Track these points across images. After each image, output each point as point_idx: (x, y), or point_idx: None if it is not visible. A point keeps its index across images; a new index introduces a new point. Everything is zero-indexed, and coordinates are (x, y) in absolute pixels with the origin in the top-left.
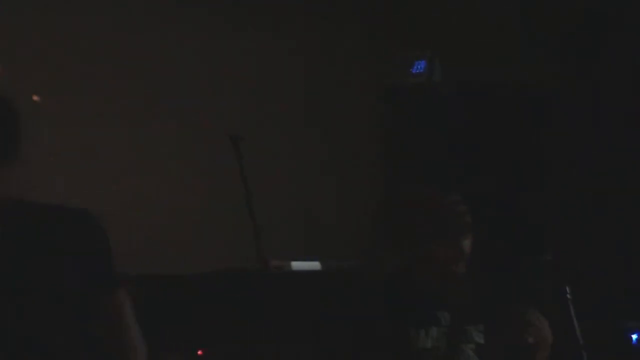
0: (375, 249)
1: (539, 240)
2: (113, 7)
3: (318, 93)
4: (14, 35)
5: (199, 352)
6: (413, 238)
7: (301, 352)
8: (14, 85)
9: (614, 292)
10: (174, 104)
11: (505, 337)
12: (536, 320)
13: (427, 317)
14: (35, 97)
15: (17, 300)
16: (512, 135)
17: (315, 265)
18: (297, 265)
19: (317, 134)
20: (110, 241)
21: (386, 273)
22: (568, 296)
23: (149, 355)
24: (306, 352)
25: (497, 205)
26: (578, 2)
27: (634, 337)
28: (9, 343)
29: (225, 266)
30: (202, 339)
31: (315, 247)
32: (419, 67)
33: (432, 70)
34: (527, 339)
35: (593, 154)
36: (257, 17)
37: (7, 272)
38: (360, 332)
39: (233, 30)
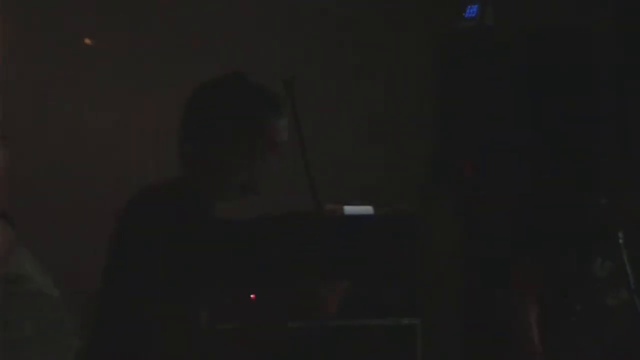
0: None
1: (594, 184)
2: None
3: (366, 40)
4: None
5: (252, 297)
6: None
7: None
8: None
9: None
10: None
11: None
12: None
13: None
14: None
15: None
16: (569, 80)
17: (368, 209)
18: (350, 209)
19: (366, 81)
20: None
21: None
22: (620, 241)
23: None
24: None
25: (554, 149)
26: None
27: None
28: None
29: (280, 210)
30: (257, 283)
31: (367, 193)
32: (471, 11)
33: (485, 15)
34: None
35: None
36: None
37: None
38: None
39: None
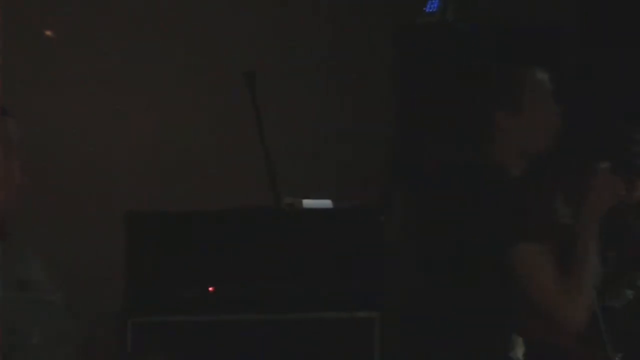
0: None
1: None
2: None
3: (327, 34)
4: None
5: (210, 289)
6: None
7: (309, 290)
8: None
9: None
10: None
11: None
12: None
13: None
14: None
15: None
16: None
17: (326, 203)
18: (308, 203)
19: (327, 75)
20: None
21: None
22: None
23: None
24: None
25: None
26: None
27: None
28: None
29: (238, 203)
30: (214, 276)
31: (326, 187)
32: (432, 6)
33: (446, 9)
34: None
35: None
36: None
37: None
38: None
39: None
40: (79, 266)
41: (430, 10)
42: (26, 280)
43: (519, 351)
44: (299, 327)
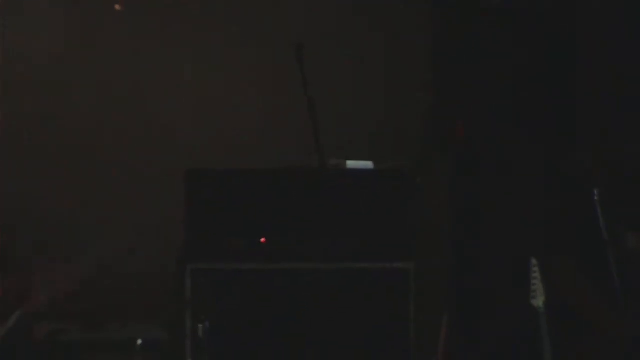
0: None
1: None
2: None
3: (366, 5)
4: None
5: (262, 240)
6: None
7: (352, 243)
8: None
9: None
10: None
11: None
12: None
13: None
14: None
15: None
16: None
17: (368, 164)
18: (352, 164)
19: (367, 45)
20: None
21: None
22: (595, 198)
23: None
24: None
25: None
26: None
27: None
28: None
29: (289, 163)
30: (265, 228)
31: (368, 149)
32: None
33: None
34: None
35: None
36: None
37: None
38: None
39: None
40: (147, 218)
41: None
42: None
43: (540, 300)
44: (342, 275)
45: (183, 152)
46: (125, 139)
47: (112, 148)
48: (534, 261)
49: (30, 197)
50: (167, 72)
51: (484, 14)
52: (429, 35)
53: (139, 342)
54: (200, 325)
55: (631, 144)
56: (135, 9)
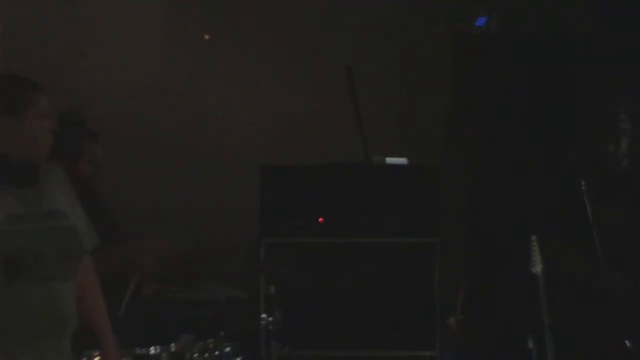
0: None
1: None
2: None
3: (403, 39)
4: None
5: (320, 220)
6: None
7: (390, 221)
8: None
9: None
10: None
11: None
12: None
13: None
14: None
15: None
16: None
17: (402, 160)
18: (390, 160)
19: (403, 69)
20: None
21: None
22: (583, 188)
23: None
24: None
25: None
26: None
27: None
28: None
29: (337, 159)
30: (323, 210)
31: (404, 147)
32: (480, 21)
33: (490, 24)
34: None
35: None
36: None
37: None
38: None
39: None
40: (230, 202)
41: (479, 25)
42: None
43: (539, 267)
44: (383, 247)
45: (256, 150)
46: (208, 141)
47: (200, 148)
48: (533, 237)
49: (138, 191)
50: (245, 87)
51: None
52: (449, 57)
53: (224, 298)
54: (271, 287)
55: (609, 145)
56: (221, 37)
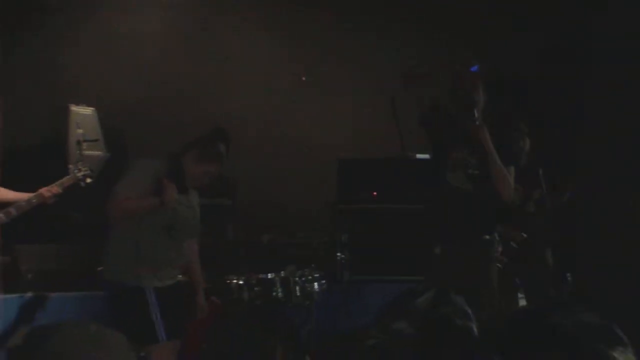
0: None
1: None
2: None
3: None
4: None
5: (374, 194)
6: None
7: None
8: None
9: None
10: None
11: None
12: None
13: None
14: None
15: None
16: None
17: (426, 156)
18: (419, 155)
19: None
20: None
21: None
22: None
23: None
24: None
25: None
26: None
27: None
28: None
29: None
30: (376, 188)
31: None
32: (474, 68)
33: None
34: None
35: None
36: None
37: None
38: None
39: None
40: (312, 185)
41: (474, 70)
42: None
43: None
44: (407, 211)
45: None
46: (293, 140)
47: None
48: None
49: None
50: (314, 96)
51: None
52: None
53: (315, 243)
54: (343, 235)
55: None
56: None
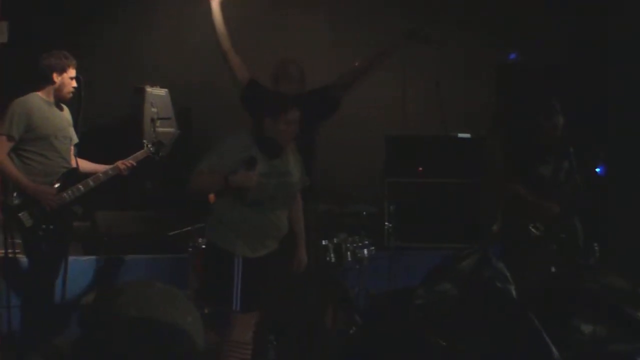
0: None
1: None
2: None
3: (462, 65)
4: None
5: (419, 169)
6: None
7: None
8: None
9: None
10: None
11: None
12: None
13: None
14: None
15: None
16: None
17: (467, 135)
18: (460, 134)
19: (467, 82)
20: None
21: None
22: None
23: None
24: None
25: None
26: None
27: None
28: None
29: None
30: (421, 164)
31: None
32: (511, 56)
33: (518, 58)
34: None
35: None
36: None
37: None
38: None
39: None
40: (359, 166)
41: (511, 58)
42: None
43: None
44: (454, 185)
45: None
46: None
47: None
48: None
49: None
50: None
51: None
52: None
53: (364, 213)
54: (390, 206)
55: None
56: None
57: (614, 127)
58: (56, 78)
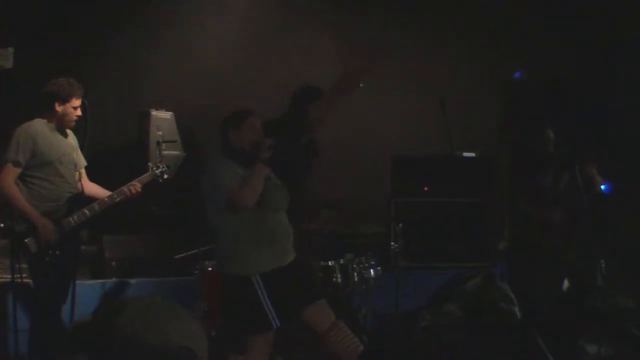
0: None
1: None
2: None
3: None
4: None
5: (425, 188)
6: None
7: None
8: None
9: None
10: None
11: None
12: None
13: None
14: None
15: None
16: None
17: (472, 154)
18: (465, 154)
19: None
20: None
21: None
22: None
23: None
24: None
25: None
26: None
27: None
28: None
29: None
30: (427, 183)
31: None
32: (517, 74)
33: (523, 76)
34: None
35: None
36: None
37: None
38: None
39: None
40: (367, 184)
41: (516, 76)
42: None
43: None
44: (457, 205)
45: (387, 145)
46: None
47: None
48: None
49: None
50: (369, 97)
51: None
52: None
53: (371, 233)
54: (396, 226)
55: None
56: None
57: (614, 133)
58: (58, 107)
